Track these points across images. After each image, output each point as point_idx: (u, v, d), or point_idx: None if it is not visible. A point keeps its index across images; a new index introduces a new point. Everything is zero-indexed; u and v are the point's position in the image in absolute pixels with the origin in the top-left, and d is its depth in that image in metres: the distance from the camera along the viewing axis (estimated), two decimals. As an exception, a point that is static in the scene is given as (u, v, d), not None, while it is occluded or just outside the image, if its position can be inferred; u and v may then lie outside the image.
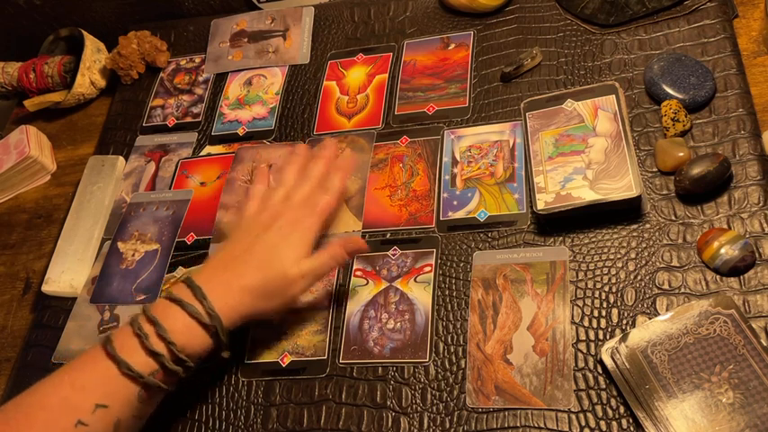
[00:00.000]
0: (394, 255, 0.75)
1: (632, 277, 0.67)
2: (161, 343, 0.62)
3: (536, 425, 0.62)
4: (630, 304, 0.65)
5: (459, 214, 0.76)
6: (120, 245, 0.86)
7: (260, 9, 1.03)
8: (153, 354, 0.62)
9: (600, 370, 0.63)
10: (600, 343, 0.64)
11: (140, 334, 0.62)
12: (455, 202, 0.76)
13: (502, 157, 0.78)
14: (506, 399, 0.64)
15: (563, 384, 0.63)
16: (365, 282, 0.74)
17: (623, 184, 0.68)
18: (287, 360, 0.72)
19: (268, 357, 0.73)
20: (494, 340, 0.67)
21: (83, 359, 0.63)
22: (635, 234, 0.69)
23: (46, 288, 0.85)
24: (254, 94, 0.95)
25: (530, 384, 0.64)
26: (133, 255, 0.84)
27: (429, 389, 0.66)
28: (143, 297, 0.81)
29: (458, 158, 0.79)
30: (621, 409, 0.61)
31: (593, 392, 0.62)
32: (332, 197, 0.72)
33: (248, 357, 0.73)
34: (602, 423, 0.61)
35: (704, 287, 0.64)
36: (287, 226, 0.69)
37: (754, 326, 0.60)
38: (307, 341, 0.72)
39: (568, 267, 0.69)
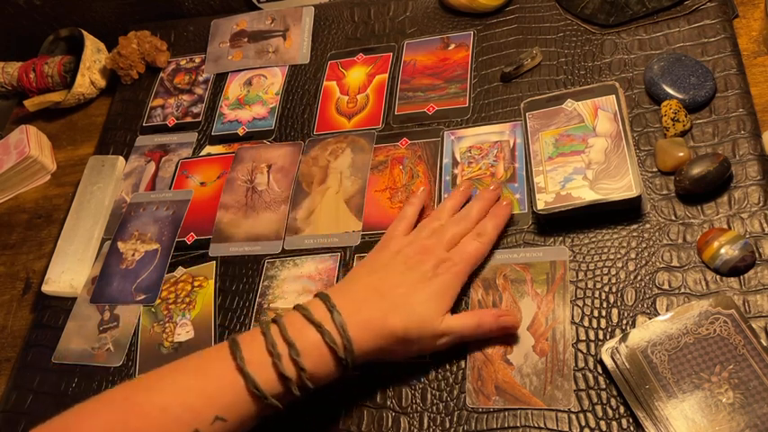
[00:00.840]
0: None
1: (632, 277, 0.67)
2: (293, 367, 0.59)
3: (536, 425, 0.62)
4: (630, 304, 0.65)
5: (460, 214, 0.76)
6: (120, 245, 0.86)
7: (260, 9, 1.03)
8: (283, 377, 0.59)
9: (600, 370, 0.63)
10: (600, 343, 0.64)
11: (273, 352, 0.59)
12: (455, 203, 0.76)
13: (502, 157, 0.78)
14: (506, 399, 0.64)
15: (563, 384, 0.63)
16: (365, 282, 0.74)
17: (623, 184, 0.68)
18: None
19: None
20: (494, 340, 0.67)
21: (209, 365, 0.60)
22: (635, 234, 0.69)
23: (46, 288, 0.85)
24: (254, 94, 0.95)
25: (530, 384, 0.64)
26: (133, 255, 0.84)
27: (429, 389, 0.66)
28: (143, 297, 0.81)
29: (458, 159, 0.79)
30: (621, 409, 0.61)
31: (593, 392, 0.62)
32: (483, 245, 0.69)
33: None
34: (602, 423, 0.61)
35: (704, 287, 0.64)
36: (433, 270, 0.65)
37: (754, 326, 0.60)
38: None
39: (568, 267, 0.69)
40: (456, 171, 0.79)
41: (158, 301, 0.80)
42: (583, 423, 0.61)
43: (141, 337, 0.78)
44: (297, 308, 0.63)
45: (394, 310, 0.63)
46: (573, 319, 0.66)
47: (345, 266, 0.76)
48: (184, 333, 0.76)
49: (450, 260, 0.67)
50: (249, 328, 0.75)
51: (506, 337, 0.66)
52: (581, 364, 0.64)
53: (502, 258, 0.71)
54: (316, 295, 0.65)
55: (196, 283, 0.80)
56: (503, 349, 0.66)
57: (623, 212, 0.70)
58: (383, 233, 0.76)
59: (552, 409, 0.62)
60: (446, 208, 0.72)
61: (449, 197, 0.74)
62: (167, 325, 0.78)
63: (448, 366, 0.67)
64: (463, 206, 0.73)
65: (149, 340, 0.78)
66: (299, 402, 0.62)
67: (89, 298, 0.83)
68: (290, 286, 0.77)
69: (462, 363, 0.67)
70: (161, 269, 0.82)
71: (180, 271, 0.81)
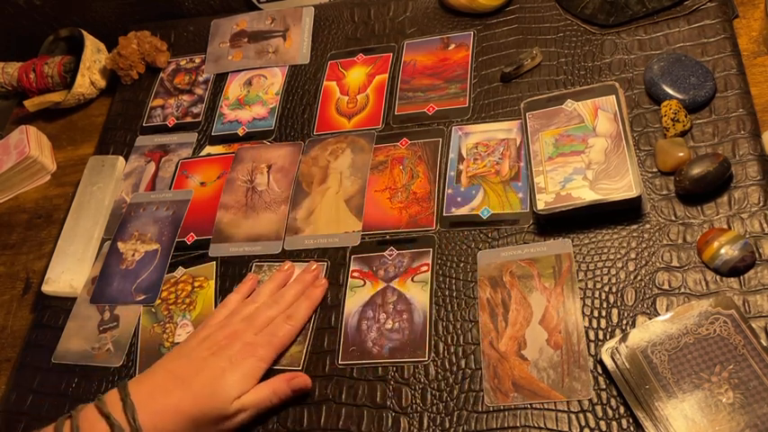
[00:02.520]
0: (390, 255, 0.75)
1: (632, 277, 0.67)
2: None
3: (536, 425, 0.62)
4: (630, 304, 0.65)
5: (463, 211, 0.76)
6: (120, 245, 0.86)
7: (260, 9, 1.03)
8: None
9: (600, 370, 0.63)
10: (600, 343, 0.64)
11: None
12: (459, 199, 0.77)
13: (508, 155, 0.78)
14: (525, 394, 0.63)
15: (581, 375, 0.63)
16: (362, 283, 0.74)
17: (623, 185, 0.68)
18: None
19: None
20: (506, 337, 0.67)
21: None
22: (635, 234, 0.69)
23: (46, 288, 0.85)
24: (254, 94, 0.95)
25: (547, 378, 0.64)
26: (133, 255, 0.84)
27: (429, 389, 0.66)
28: (143, 297, 0.81)
29: (464, 155, 0.79)
30: (621, 409, 0.61)
31: (592, 392, 0.62)
32: (293, 327, 0.71)
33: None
34: (602, 423, 0.61)
35: (704, 287, 0.64)
36: (239, 354, 0.67)
37: (754, 326, 0.60)
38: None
39: (574, 259, 0.69)
40: (461, 167, 0.79)
41: (158, 301, 0.80)
42: (583, 423, 0.61)
43: (141, 337, 0.78)
44: (96, 399, 0.65)
45: (190, 395, 0.64)
46: (584, 309, 0.66)
47: (345, 267, 0.76)
48: (185, 334, 0.76)
49: (257, 344, 0.69)
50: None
51: (519, 332, 0.66)
52: (581, 365, 0.64)
53: (507, 255, 0.71)
54: (117, 384, 0.68)
55: (196, 284, 0.80)
56: (516, 345, 0.66)
57: (623, 212, 0.70)
58: (383, 233, 0.77)
59: (552, 409, 0.62)
60: (264, 291, 0.75)
61: (269, 279, 0.76)
62: (167, 325, 0.78)
63: (448, 366, 0.67)
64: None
65: (150, 341, 0.78)
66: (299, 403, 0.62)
67: (89, 298, 0.83)
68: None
69: (462, 362, 0.67)
70: (161, 269, 0.82)
71: (180, 271, 0.81)
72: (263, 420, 0.68)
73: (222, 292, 0.79)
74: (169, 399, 0.64)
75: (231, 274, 0.80)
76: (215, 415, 0.64)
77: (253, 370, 0.67)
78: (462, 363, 0.67)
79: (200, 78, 0.99)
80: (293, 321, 0.72)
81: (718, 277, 0.64)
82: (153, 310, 0.80)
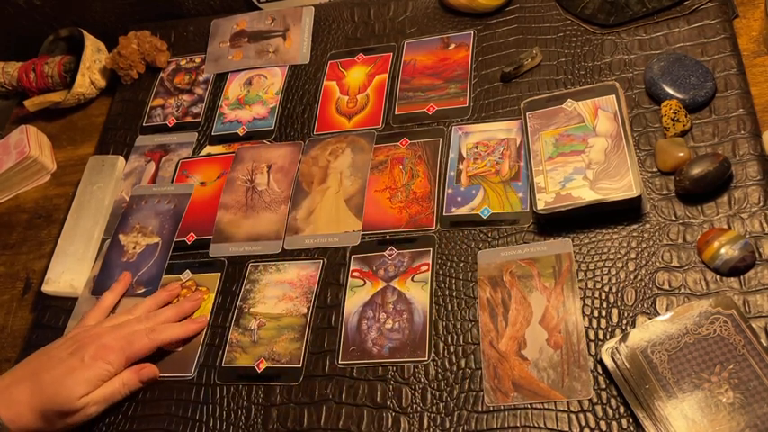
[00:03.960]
0: (390, 255, 0.75)
1: (632, 277, 0.67)
2: None
3: (536, 424, 0.62)
4: (630, 304, 0.65)
5: (463, 210, 0.76)
6: (121, 237, 0.86)
7: (260, 9, 1.03)
8: None
9: (600, 370, 0.63)
10: (600, 343, 0.64)
11: None
12: (459, 199, 0.77)
13: (508, 155, 0.78)
14: (525, 394, 0.63)
15: (581, 375, 0.63)
16: (362, 282, 0.74)
17: (623, 185, 0.68)
18: (262, 366, 0.72)
19: (244, 362, 0.73)
20: (506, 337, 0.67)
21: None
22: (635, 234, 0.69)
23: (46, 288, 0.85)
24: (255, 94, 0.95)
25: (547, 378, 0.64)
26: (134, 248, 0.85)
27: (429, 389, 0.66)
28: (143, 290, 0.81)
29: (464, 155, 0.79)
30: (621, 409, 0.61)
31: (592, 392, 0.62)
32: (152, 342, 0.73)
33: (224, 361, 0.74)
34: (602, 423, 0.61)
35: (704, 287, 0.64)
36: (92, 355, 0.70)
37: (754, 326, 0.60)
38: (283, 348, 0.73)
39: (574, 259, 0.69)
40: (461, 167, 0.79)
41: None
42: (583, 423, 0.61)
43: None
44: None
45: (39, 390, 0.69)
46: (584, 309, 0.66)
47: (345, 266, 0.76)
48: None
49: (111, 348, 0.71)
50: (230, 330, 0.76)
51: (519, 332, 0.66)
52: (581, 364, 0.64)
53: (507, 255, 0.71)
54: None
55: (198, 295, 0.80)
56: (516, 345, 0.66)
57: (623, 212, 0.70)
58: (383, 233, 0.77)
59: (552, 409, 0.62)
60: (144, 306, 0.78)
61: (151, 296, 0.79)
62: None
63: (448, 366, 0.67)
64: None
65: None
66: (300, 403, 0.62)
67: (90, 298, 0.83)
68: (270, 291, 0.77)
69: (462, 362, 0.67)
70: (161, 263, 0.83)
71: (187, 275, 0.81)
72: (263, 421, 0.68)
73: (222, 293, 0.79)
74: (22, 392, 0.69)
75: (231, 273, 0.80)
76: (61, 410, 0.69)
77: (100, 373, 0.70)
78: (462, 362, 0.67)
79: (201, 78, 0.99)
80: (154, 336, 0.74)
81: (718, 277, 0.64)
82: None
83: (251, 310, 0.76)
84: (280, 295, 0.76)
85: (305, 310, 0.74)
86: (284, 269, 0.78)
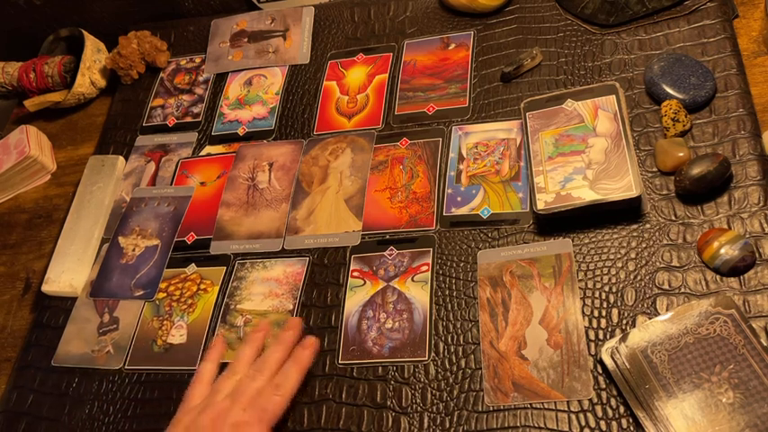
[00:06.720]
0: (390, 255, 0.75)
1: (632, 277, 0.67)
2: None
3: (536, 424, 0.62)
4: (630, 304, 0.65)
5: (463, 210, 0.76)
6: (120, 239, 0.86)
7: (260, 9, 1.03)
8: None
9: (600, 370, 0.63)
10: (600, 343, 0.64)
11: None
12: (459, 199, 0.77)
13: (508, 155, 0.78)
14: (525, 394, 0.64)
15: (581, 375, 0.63)
16: (362, 282, 0.74)
17: (623, 185, 0.68)
18: None
19: (231, 359, 0.72)
20: (506, 337, 0.67)
21: None
22: (635, 234, 0.69)
23: (46, 288, 0.85)
24: (255, 94, 0.95)
25: (547, 378, 0.64)
26: (133, 250, 0.85)
27: (429, 389, 0.66)
28: (141, 293, 0.81)
29: (464, 155, 0.79)
30: (621, 409, 0.61)
31: (592, 392, 0.62)
32: (283, 398, 0.65)
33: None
34: (602, 423, 0.61)
35: (704, 287, 0.64)
36: None
37: (754, 326, 0.60)
38: (269, 344, 0.72)
39: (574, 259, 0.69)
40: (461, 167, 0.79)
41: (164, 294, 0.80)
42: (583, 423, 0.61)
43: (140, 328, 0.78)
44: None
45: None
46: (584, 309, 0.66)
47: (345, 266, 0.76)
48: (178, 336, 0.77)
49: (247, 423, 0.62)
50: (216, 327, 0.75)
51: (519, 332, 0.66)
52: (581, 364, 0.64)
53: (507, 255, 0.71)
54: None
55: (202, 287, 0.80)
56: (516, 345, 0.66)
57: (623, 212, 0.70)
58: (383, 233, 0.77)
59: (553, 409, 0.62)
60: (243, 359, 0.68)
61: (245, 344, 0.70)
62: (165, 322, 0.78)
63: (448, 366, 0.67)
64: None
65: (145, 334, 0.78)
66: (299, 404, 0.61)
67: (88, 301, 0.83)
68: (257, 288, 0.77)
69: (462, 362, 0.67)
70: (160, 265, 0.83)
71: (192, 268, 0.81)
72: None
73: (221, 291, 0.79)
74: None
75: (230, 271, 0.80)
76: None
77: None
78: (462, 362, 0.67)
79: (201, 78, 0.99)
80: (283, 391, 0.65)
81: (718, 277, 0.64)
82: (157, 302, 0.80)
83: (237, 306, 0.76)
84: (266, 292, 0.77)
85: (290, 307, 0.75)
86: (271, 266, 0.78)
